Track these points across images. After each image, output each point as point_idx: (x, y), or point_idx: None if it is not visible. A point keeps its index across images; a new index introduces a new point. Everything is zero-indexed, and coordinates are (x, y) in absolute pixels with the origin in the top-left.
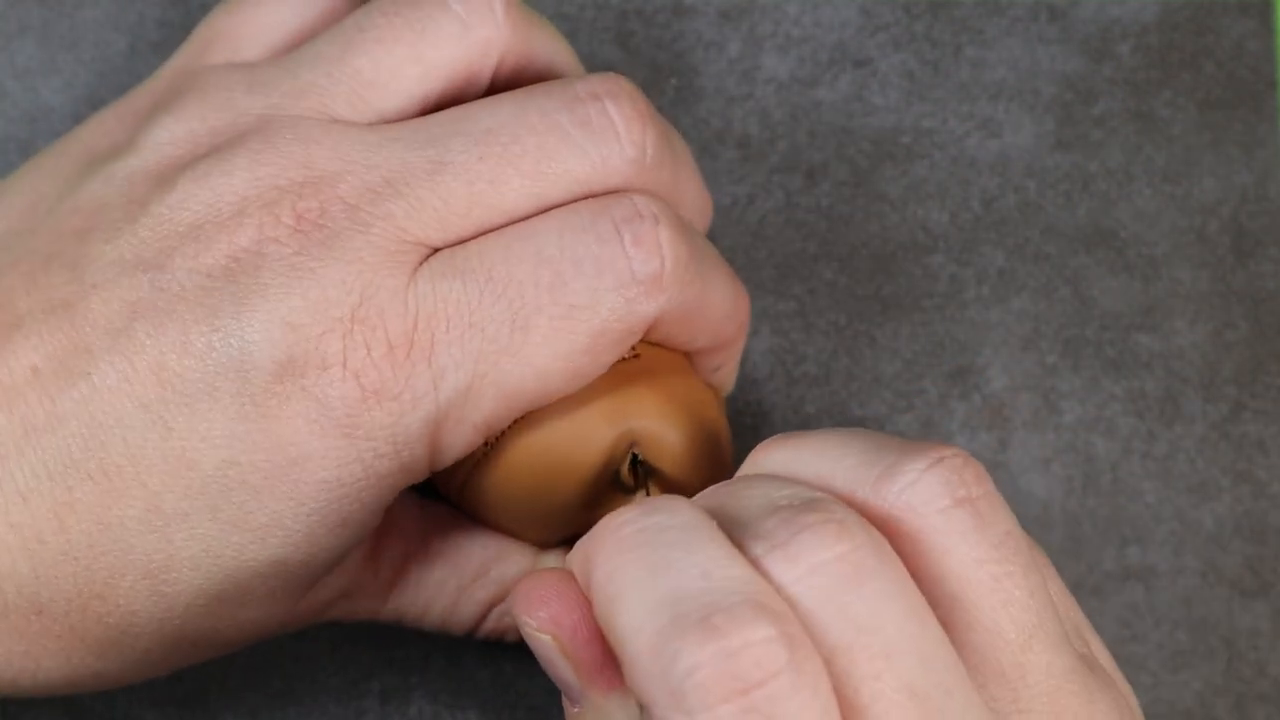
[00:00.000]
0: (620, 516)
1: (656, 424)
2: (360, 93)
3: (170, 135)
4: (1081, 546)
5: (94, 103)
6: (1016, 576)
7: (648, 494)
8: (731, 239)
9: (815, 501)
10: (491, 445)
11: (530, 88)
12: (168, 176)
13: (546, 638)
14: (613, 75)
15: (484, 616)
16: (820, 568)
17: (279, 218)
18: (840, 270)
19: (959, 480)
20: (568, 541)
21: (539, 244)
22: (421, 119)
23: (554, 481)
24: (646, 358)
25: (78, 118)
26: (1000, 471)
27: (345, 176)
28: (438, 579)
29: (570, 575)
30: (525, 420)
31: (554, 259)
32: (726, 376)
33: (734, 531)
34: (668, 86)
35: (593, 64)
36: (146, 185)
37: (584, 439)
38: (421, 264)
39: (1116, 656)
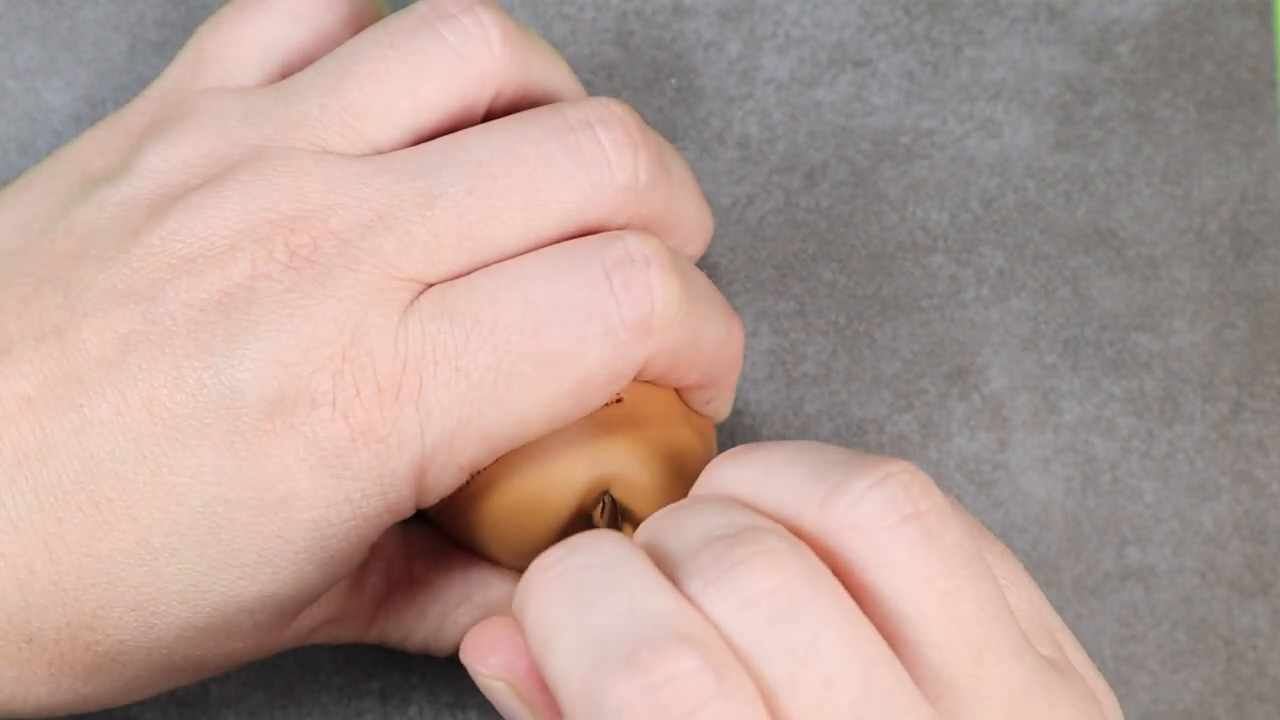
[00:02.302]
0: (547, 559)
1: (631, 470)
2: (353, 125)
3: (165, 162)
4: (1081, 546)
5: (94, 103)
6: (966, 589)
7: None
8: (731, 239)
9: (748, 532)
10: (469, 479)
11: (522, 115)
12: (161, 206)
13: (500, 684)
14: (605, 100)
15: None
16: (753, 602)
17: (272, 253)
18: (840, 270)
19: (905, 496)
20: None
21: (527, 288)
22: (413, 150)
23: (528, 519)
24: (630, 401)
25: (78, 118)
26: (1000, 471)
27: (337, 210)
28: (420, 605)
29: (515, 624)
30: (504, 459)
31: (540, 304)
32: (720, 408)
33: (669, 567)
34: (668, 86)
35: (593, 64)
36: (140, 213)
37: (557, 483)
38: (413, 302)
39: (1116, 657)
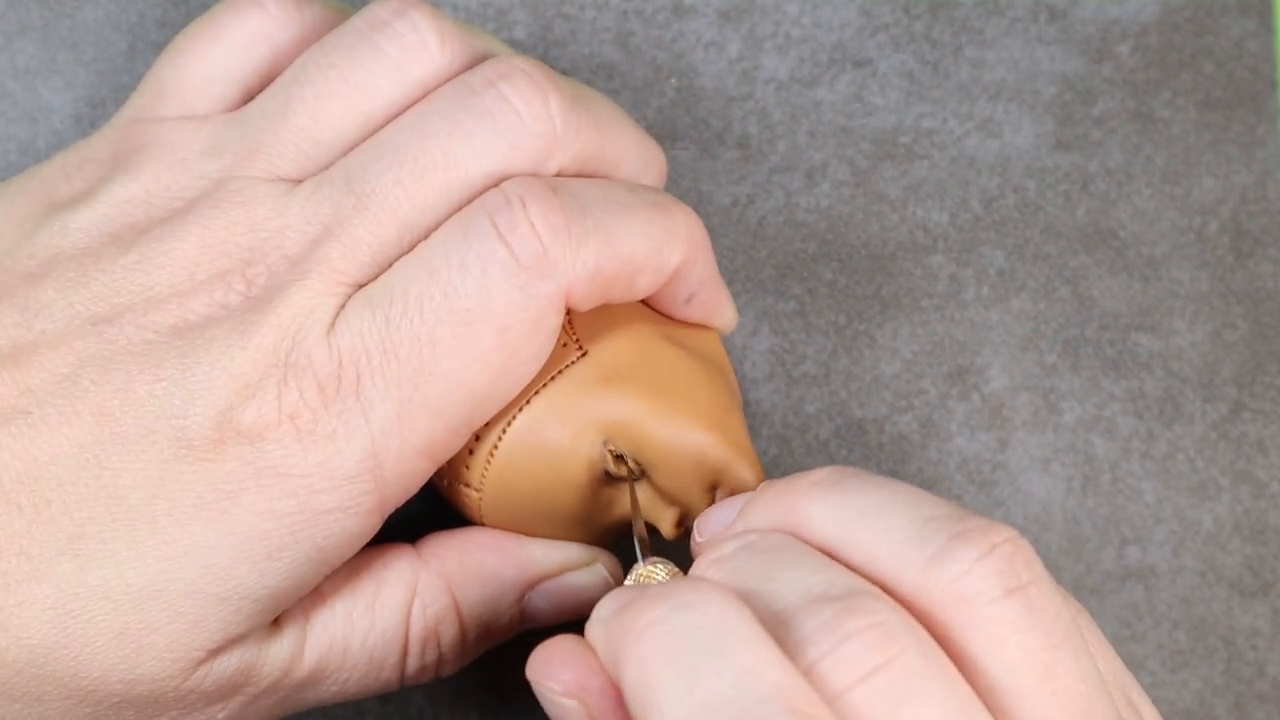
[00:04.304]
0: (647, 613)
1: (623, 415)
2: (304, 150)
3: (128, 193)
4: (1081, 546)
5: (94, 103)
6: (1067, 662)
7: (637, 476)
8: (731, 239)
9: (855, 599)
10: (480, 490)
11: (433, 92)
12: (123, 236)
13: (572, 703)
14: (506, 58)
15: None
16: (869, 677)
17: (230, 285)
18: (840, 270)
19: (1010, 569)
20: (602, 537)
21: (428, 257)
22: (345, 157)
23: (549, 500)
24: (596, 351)
25: (78, 118)
26: (1000, 471)
27: (288, 233)
28: (344, 610)
29: (586, 644)
30: (495, 455)
31: (442, 269)
32: (710, 306)
33: (771, 624)
34: (668, 86)
35: (593, 64)
36: (102, 241)
37: (551, 451)
38: (344, 304)
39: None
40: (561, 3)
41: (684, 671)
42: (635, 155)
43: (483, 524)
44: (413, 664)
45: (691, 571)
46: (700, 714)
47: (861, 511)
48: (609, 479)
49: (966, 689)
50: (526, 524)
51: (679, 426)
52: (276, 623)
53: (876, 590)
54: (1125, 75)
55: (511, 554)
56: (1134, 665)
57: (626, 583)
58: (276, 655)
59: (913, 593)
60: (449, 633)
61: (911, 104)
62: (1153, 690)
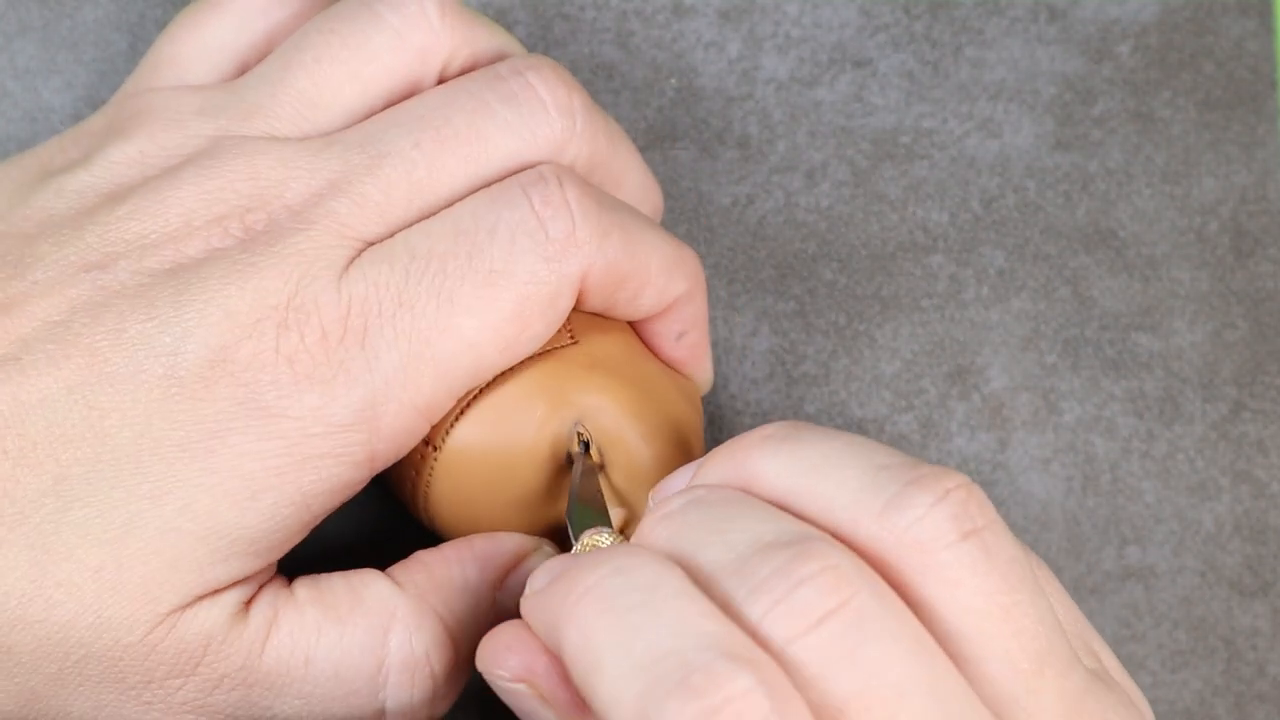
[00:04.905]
0: (583, 580)
1: (599, 402)
2: (304, 113)
3: (122, 154)
4: (1081, 546)
5: (94, 103)
6: (1024, 605)
7: (599, 469)
8: (731, 239)
9: (807, 544)
10: (437, 447)
11: (460, 76)
12: (118, 194)
13: (521, 686)
14: (537, 55)
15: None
16: (824, 621)
17: (227, 230)
18: (840, 270)
19: (964, 513)
20: (538, 531)
21: (455, 219)
22: (361, 123)
23: (503, 471)
24: (588, 342)
25: (78, 118)
26: (1000, 471)
27: (290, 184)
28: (314, 618)
29: (527, 627)
30: (465, 415)
31: (470, 231)
32: (698, 351)
33: (721, 577)
34: (668, 86)
35: (593, 64)
36: (97, 199)
37: (522, 419)
38: (355, 257)
39: (1116, 656)
40: (561, 3)
41: (622, 630)
42: (638, 180)
43: (424, 497)
44: (396, 697)
45: (639, 529)
46: (642, 668)
47: (815, 463)
48: (568, 466)
49: (922, 631)
50: (468, 500)
51: (650, 427)
52: (244, 607)
53: (827, 536)
54: (1125, 75)
55: (470, 553)
56: (1134, 665)
57: (574, 551)
58: (238, 637)
59: (868, 541)
60: (442, 657)
61: (911, 104)
62: (1153, 690)
